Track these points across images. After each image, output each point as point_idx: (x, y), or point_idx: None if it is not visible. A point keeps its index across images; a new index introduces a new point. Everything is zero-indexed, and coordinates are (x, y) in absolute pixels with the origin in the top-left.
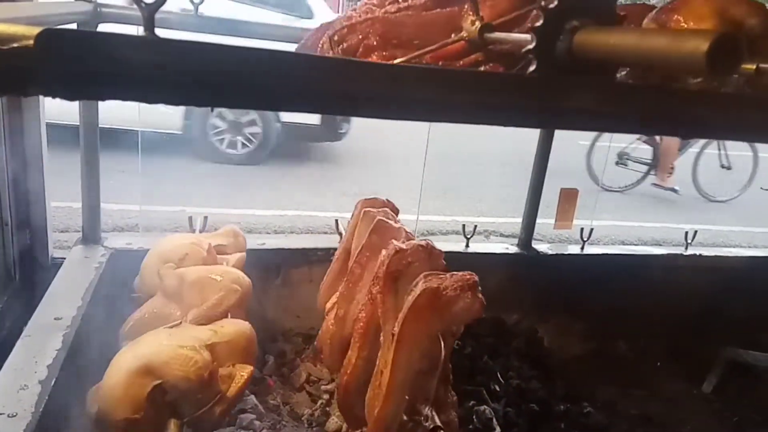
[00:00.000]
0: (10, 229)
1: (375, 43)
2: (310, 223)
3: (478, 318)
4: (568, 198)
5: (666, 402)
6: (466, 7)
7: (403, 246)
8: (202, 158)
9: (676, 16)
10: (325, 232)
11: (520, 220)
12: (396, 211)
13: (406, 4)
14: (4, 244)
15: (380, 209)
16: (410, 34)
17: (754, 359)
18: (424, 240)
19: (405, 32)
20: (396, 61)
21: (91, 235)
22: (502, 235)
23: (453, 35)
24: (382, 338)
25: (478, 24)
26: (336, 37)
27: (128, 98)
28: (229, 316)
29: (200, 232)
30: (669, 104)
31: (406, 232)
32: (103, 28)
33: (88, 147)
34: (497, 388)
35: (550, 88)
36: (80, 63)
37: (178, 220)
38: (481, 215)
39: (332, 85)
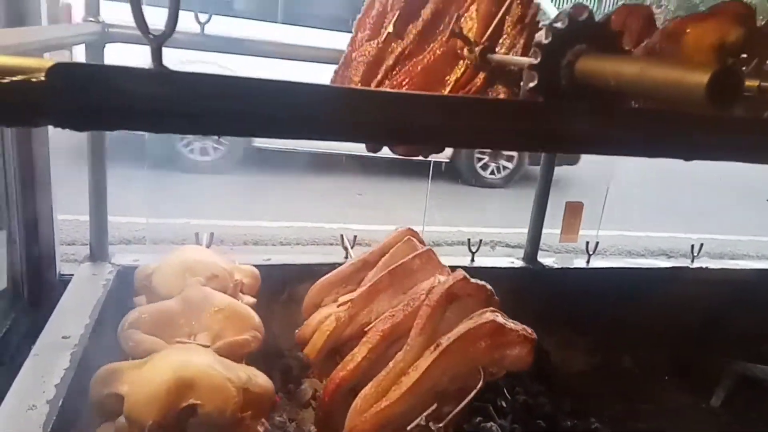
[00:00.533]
0: (18, 247)
1: None
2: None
3: (521, 371)
4: (574, 211)
5: (674, 416)
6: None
7: (470, 278)
8: (467, 183)
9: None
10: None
11: (525, 230)
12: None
13: (399, 48)
14: (12, 261)
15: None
16: (421, 83)
17: (762, 373)
18: (488, 285)
19: (415, 84)
20: None
21: (98, 252)
22: (508, 245)
23: (460, 62)
24: (410, 343)
25: (477, 49)
26: None
27: (137, 129)
28: (244, 361)
29: (207, 247)
30: (671, 128)
31: (447, 271)
32: (110, 47)
33: (95, 165)
34: (504, 404)
35: (554, 115)
36: (90, 96)
37: (185, 233)
38: (486, 225)
39: (339, 114)
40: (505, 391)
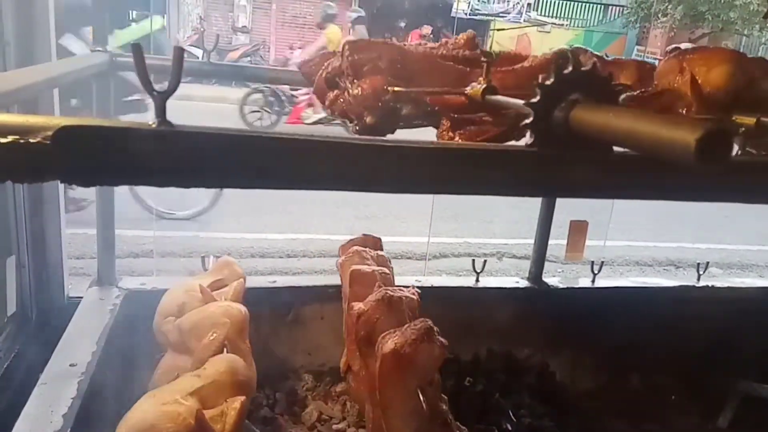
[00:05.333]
0: (27, 271)
1: (383, 66)
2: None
3: (445, 360)
4: (578, 230)
5: None
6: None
7: (363, 307)
8: None
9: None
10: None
11: (531, 241)
12: (378, 246)
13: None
14: (21, 285)
15: (356, 250)
16: (420, 70)
17: None
18: (383, 290)
19: (416, 68)
20: (395, 89)
21: (106, 276)
22: (514, 256)
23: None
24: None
25: (483, 84)
26: (351, 53)
27: (141, 184)
28: (226, 350)
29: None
30: (660, 173)
31: (380, 274)
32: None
33: (103, 192)
34: (509, 427)
35: (547, 162)
36: (96, 156)
37: (192, 246)
38: (493, 236)
39: (333, 165)
40: (510, 413)
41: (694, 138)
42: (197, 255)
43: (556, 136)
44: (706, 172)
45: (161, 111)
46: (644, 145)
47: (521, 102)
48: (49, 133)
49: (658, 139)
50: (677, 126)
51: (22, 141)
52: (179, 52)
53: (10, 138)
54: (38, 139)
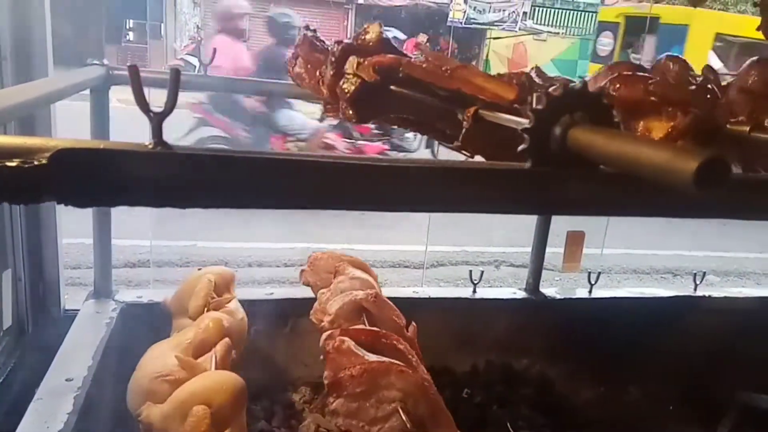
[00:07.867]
0: (24, 284)
1: None
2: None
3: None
4: (575, 240)
5: None
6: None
7: None
8: None
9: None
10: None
11: (529, 249)
12: None
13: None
14: (17, 298)
15: None
16: None
17: None
18: None
19: None
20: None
21: (102, 289)
22: (512, 265)
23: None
24: None
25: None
26: None
27: (137, 204)
28: None
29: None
30: (656, 191)
31: None
32: (115, 90)
33: (101, 209)
34: None
35: (543, 181)
36: (92, 178)
37: (190, 256)
38: (491, 245)
39: (330, 184)
40: (509, 425)
41: (692, 167)
42: (194, 265)
43: (552, 156)
44: (703, 197)
45: (158, 132)
46: (642, 167)
47: (517, 119)
48: (47, 155)
49: (657, 163)
50: (677, 152)
51: (19, 163)
52: (175, 73)
53: (7, 161)
54: (36, 161)
